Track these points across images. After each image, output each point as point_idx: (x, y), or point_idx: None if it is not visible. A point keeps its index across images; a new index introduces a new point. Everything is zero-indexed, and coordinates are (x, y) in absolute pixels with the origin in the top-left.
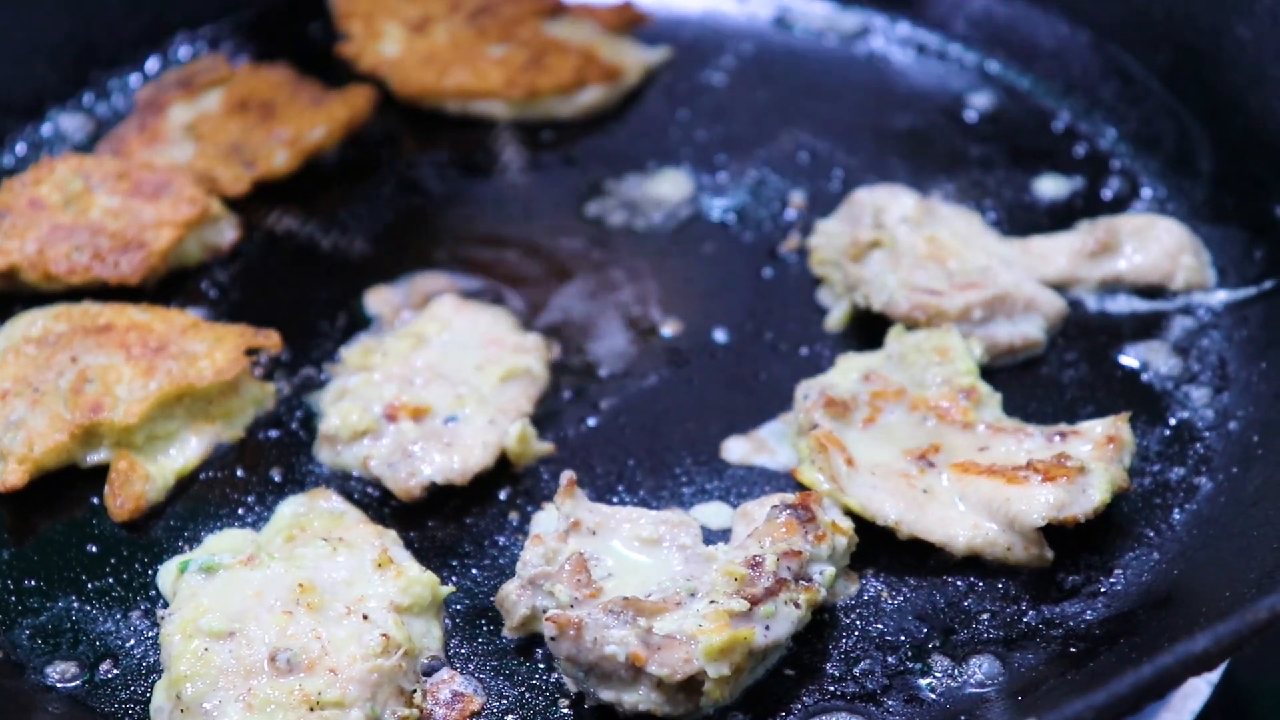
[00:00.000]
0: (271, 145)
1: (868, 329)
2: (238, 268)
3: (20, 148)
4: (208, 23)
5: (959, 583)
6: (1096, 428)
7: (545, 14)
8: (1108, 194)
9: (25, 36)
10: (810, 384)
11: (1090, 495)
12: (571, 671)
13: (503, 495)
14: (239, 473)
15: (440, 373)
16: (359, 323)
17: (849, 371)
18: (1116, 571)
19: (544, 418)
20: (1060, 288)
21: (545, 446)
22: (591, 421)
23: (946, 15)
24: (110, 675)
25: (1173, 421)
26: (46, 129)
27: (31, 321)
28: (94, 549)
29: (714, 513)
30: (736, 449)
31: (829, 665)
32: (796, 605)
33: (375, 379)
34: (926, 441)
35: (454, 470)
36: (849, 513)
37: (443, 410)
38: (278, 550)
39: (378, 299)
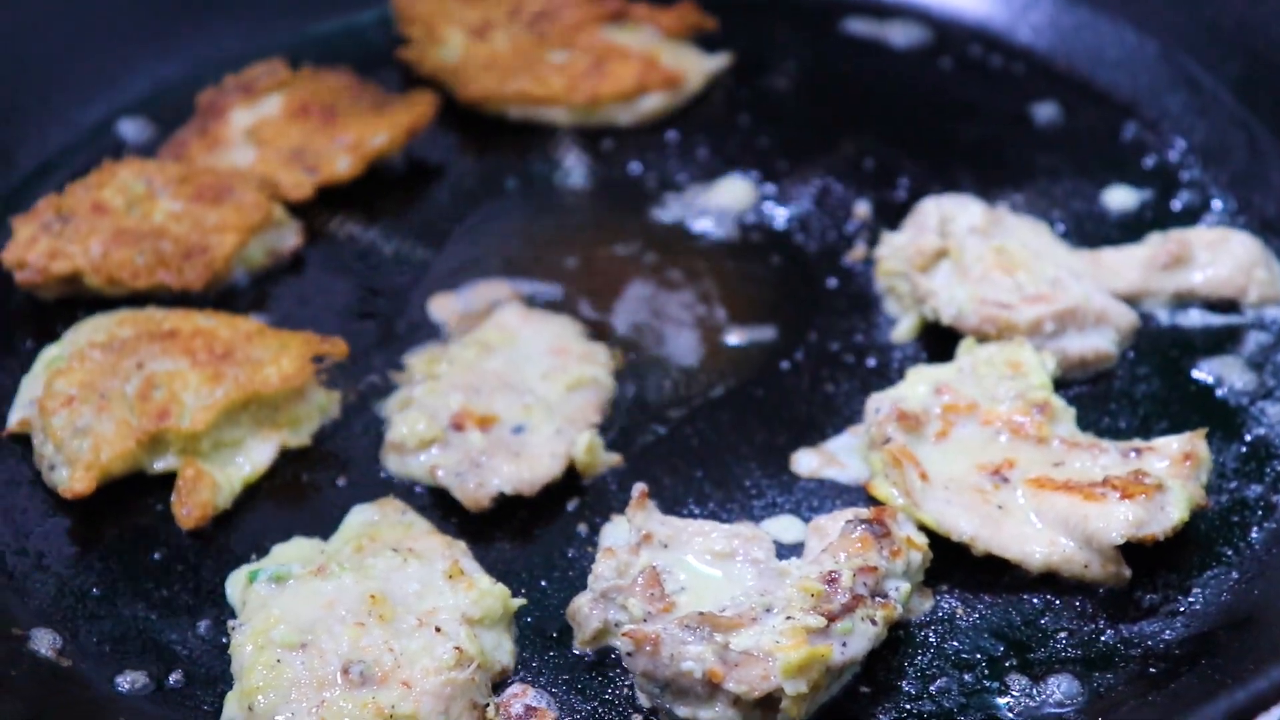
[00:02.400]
0: (334, 150)
1: (936, 340)
2: (300, 273)
3: (83, 152)
4: (268, 26)
5: (1035, 600)
6: (1173, 444)
7: (606, 19)
8: (1177, 206)
9: (88, 40)
10: (881, 397)
11: (1169, 513)
12: (647, 687)
13: (570, 506)
14: (305, 480)
15: (507, 382)
16: (423, 329)
17: (919, 384)
18: (1195, 590)
19: (611, 428)
20: (1131, 301)
21: (613, 457)
22: (659, 431)
23: (1012, 24)
24: (180, 685)
25: (1249, 438)
26: (108, 133)
27: (96, 327)
28: (161, 557)
29: (785, 527)
30: (806, 462)
31: (904, 683)
32: (874, 622)
33: (441, 387)
34: (1000, 456)
35: (523, 480)
36: (923, 528)
37: (510, 420)
38: (347, 560)
39: (441, 306)
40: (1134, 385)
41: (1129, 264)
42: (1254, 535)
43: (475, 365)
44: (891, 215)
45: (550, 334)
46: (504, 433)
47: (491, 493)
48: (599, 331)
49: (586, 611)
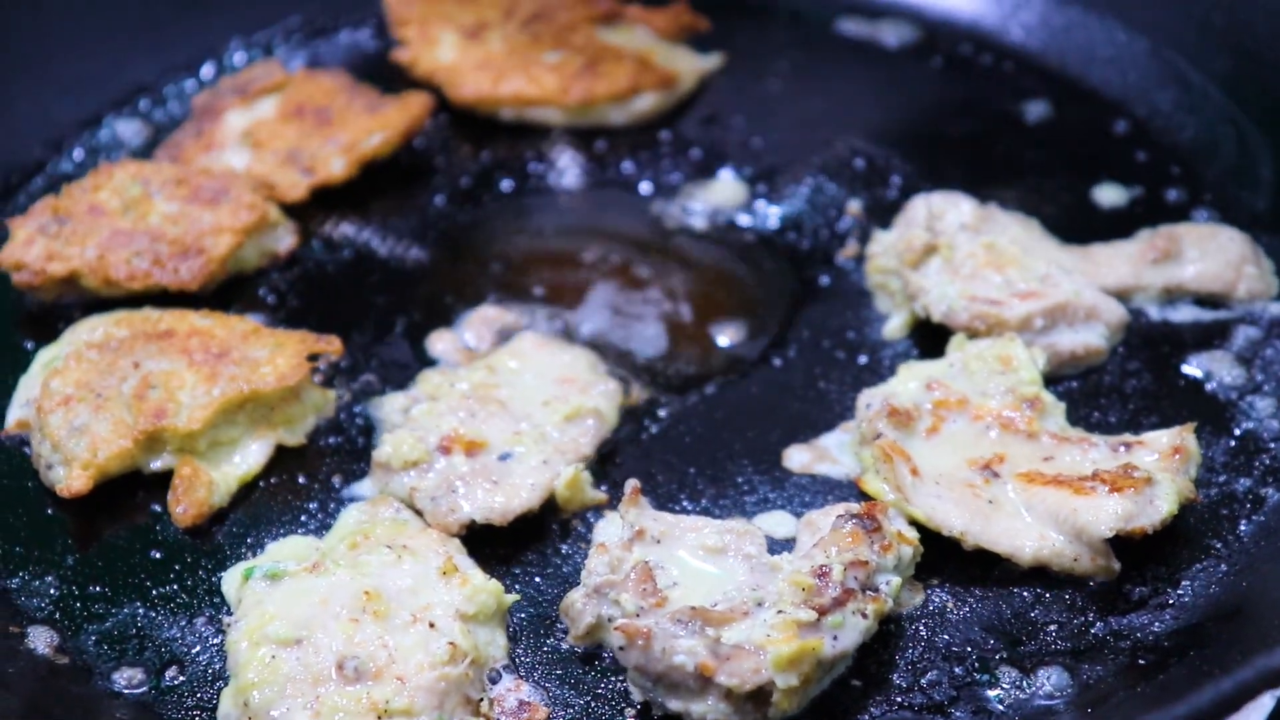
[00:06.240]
0: (328, 152)
1: (927, 337)
2: (295, 274)
3: (78, 154)
4: (262, 28)
5: (1025, 593)
6: (1162, 438)
7: (599, 20)
8: (1167, 202)
9: (82, 42)
10: (872, 393)
11: (1158, 506)
12: (639, 681)
13: None
14: (301, 479)
15: (506, 408)
16: (416, 328)
17: (911, 380)
18: (1184, 583)
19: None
20: (1121, 296)
21: (599, 495)
22: (653, 429)
23: (1003, 23)
24: (176, 681)
25: (1238, 432)
26: (104, 135)
27: (93, 327)
28: (158, 555)
29: (777, 522)
30: (798, 458)
31: (896, 676)
32: (864, 615)
33: (439, 409)
34: (990, 451)
35: (494, 510)
36: (913, 523)
37: (499, 446)
38: (342, 557)
39: (441, 342)
40: (1124, 380)
41: (1119, 259)
42: (1242, 528)
43: (480, 389)
44: (884, 213)
45: (562, 364)
46: (489, 459)
47: (462, 520)
48: (584, 328)
49: (580, 607)
